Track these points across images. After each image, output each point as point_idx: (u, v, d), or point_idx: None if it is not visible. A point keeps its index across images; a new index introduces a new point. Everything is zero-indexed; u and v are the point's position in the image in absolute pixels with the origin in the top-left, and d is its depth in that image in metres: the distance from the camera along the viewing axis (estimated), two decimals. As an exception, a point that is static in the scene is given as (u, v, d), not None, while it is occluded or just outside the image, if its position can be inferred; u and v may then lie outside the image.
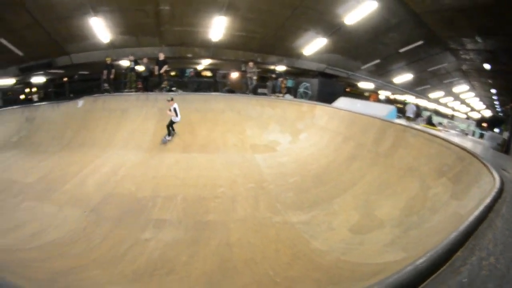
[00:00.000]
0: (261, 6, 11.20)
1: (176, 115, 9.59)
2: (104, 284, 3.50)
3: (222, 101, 11.45)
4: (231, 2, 10.96)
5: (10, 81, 17.10)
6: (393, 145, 6.57)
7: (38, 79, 17.34)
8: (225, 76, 16.02)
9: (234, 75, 16.41)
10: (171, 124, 9.87)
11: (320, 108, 10.45)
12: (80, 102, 11.17)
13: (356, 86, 19.22)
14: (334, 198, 5.71)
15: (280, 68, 15.68)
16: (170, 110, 9.59)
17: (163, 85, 12.58)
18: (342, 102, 11.76)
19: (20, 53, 14.06)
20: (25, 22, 12.20)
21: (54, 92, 14.29)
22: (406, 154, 5.98)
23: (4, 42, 13.42)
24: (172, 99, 9.68)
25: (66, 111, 11.26)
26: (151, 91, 12.25)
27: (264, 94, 13.65)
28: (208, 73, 18.12)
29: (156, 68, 12.31)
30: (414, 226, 3.99)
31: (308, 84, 14.38)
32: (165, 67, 12.32)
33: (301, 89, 14.39)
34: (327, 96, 12.78)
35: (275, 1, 10.91)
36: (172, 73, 16.18)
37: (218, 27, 12.54)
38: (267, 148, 9.43)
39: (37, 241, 4.77)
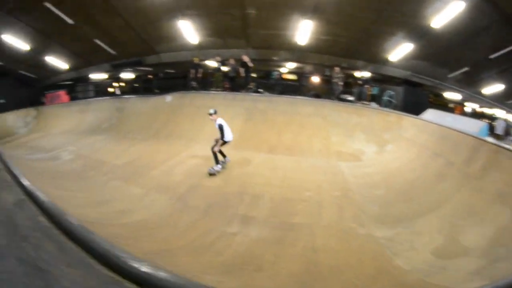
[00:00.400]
0: (346, 10, 10.80)
1: (222, 135, 7.42)
2: (197, 273, 3.40)
3: (308, 105, 11.21)
4: (317, 5, 10.71)
5: (102, 76, 19.26)
6: (484, 167, 5.79)
7: (127, 75, 19.13)
8: (310, 80, 15.74)
9: (319, 79, 16.07)
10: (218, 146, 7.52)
11: (408, 120, 9.78)
12: (169, 97, 11.80)
13: (441, 96, 17.68)
14: (419, 217, 5.30)
15: (365, 74, 14.95)
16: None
17: (249, 86, 12.64)
18: (431, 115, 10.76)
19: (112, 52, 15.46)
20: (118, 25, 13.37)
21: (142, 88, 15.28)
22: (498, 178, 5.26)
23: (99, 42, 14.87)
24: (215, 112, 7.68)
25: (154, 104, 12.11)
26: (238, 91, 12.35)
27: (349, 100, 13.05)
28: (293, 77, 17.89)
29: (242, 69, 12.43)
30: (502, 259, 3.65)
31: (393, 93, 13.45)
32: (249, 69, 12.47)
33: (385, 97, 13.48)
34: (411, 106, 11.84)
35: (361, 4, 10.45)
36: (258, 75, 16.27)
37: (303, 31, 12.33)
38: (351, 157, 9.06)
39: (125, 218, 4.90)
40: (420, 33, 11.39)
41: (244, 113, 10.70)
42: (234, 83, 12.95)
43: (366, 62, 14.31)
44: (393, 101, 13.18)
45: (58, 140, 11.99)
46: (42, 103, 18.65)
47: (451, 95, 16.45)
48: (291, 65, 17.05)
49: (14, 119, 17.05)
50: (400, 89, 13.57)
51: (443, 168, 6.79)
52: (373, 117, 10.53)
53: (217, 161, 7.45)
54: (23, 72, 20.27)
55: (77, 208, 4.50)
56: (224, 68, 12.96)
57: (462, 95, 15.96)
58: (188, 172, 7.41)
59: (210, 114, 7.61)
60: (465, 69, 13.44)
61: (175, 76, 18.54)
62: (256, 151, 9.11)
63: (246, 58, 12.39)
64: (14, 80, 20.89)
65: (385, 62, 13.94)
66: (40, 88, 20.28)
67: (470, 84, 14.98)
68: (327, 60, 14.34)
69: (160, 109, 11.70)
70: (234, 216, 5.21)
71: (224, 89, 12.90)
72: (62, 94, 18.75)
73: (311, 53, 14.22)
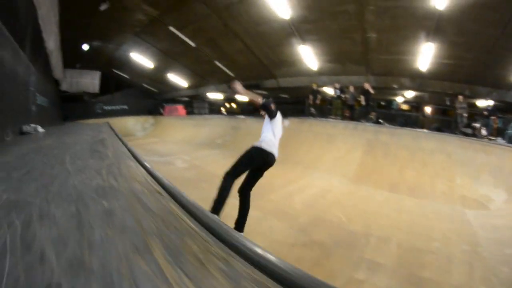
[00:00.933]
0: (469, 27, 9.59)
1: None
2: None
3: (431, 140, 10.11)
4: (439, 25, 9.81)
5: (219, 96, 20.71)
6: None
7: (242, 97, 20.17)
8: (432, 111, 14.27)
9: (440, 110, 14.52)
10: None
11: None
12: (286, 122, 11.58)
13: None
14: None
15: (488, 102, 12.90)
16: None
17: (370, 116, 12.01)
18: None
19: (231, 74, 16.28)
20: (238, 48, 13.97)
21: (253, 110, 15.76)
22: None
23: (218, 64, 15.80)
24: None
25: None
26: (357, 120, 11.77)
27: (473, 134, 11.33)
28: (411, 106, 16.75)
29: (362, 98, 11.87)
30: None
31: None
32: (369, 97, 11.82)
33: (510, 131, 11.30)
34: None
35: (483, 19, 9.13)
36: (378, 104, 15.57)
37: (424, 55, 11.39)
38: (477, 204, 7.89)
39: None
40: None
41: (365, 144, 10.11)
42: (354, 111, 12.42)
43: (488, 87, 12.47)
44: (520, 136, 10.98)
45: (172, 147, 12.75)
46: (160, 114, 20.73)
47: None
48: (411, 94, 15.95)
49: (134, 123, 19.28)
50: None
51: None
52: (504, 156, 9.08)
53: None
54: (146, 86, 23.04)
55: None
56: (341, 95, 12.52)
57: None
58: (307, 201, 6.99)
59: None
60: None
61: (291, 101, 18.76)
62: (377, 187, 8.50)
63: (367, 86, 11.77)
64: (137, 92, 23.91)
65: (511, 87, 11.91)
66: (159, 100, 22.69)
67: None
68: (449, 87, 12.98)
69: None
70: (361, 260, 4.65)
71: (343, 117, 12.36)
72: (180, 108, 20.57)
73: (432, 80, 13.01)
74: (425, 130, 11.44)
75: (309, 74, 13.98)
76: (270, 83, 15.48)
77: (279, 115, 3.98)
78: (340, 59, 13.00)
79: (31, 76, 6.86)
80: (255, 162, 3.83)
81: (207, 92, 20.71)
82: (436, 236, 5.83)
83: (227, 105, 22.25)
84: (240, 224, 3.87)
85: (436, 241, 5.63)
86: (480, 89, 12.54)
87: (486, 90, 12.47)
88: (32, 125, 5.87)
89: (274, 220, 5.72)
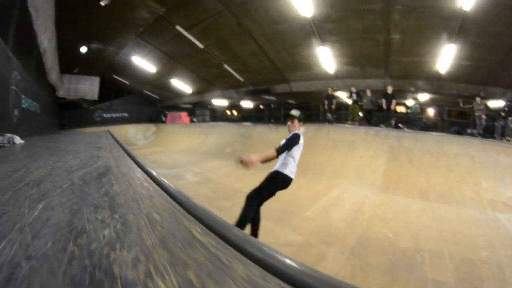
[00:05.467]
0: (491, 28, 9.45)
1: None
2: None
3: (455, 144, 10.03)
4: (462, 25, 9.66)
5: (224, 103, 20.06)
6: None
7: (246, 103, 19.52)
8: (452, 114, 13.82)
9: (459, 112, 14.21)
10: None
11: None
12: (302, 129, 10.97)
13: None
14: None
15: (503, 103, 12.61)
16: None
17: (391, 121, 11.48)
18: None
19: (240, 78, 15.56)
20: (250, 49, 13.41)
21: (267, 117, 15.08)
22: None
23: (227, 67, 15.07)
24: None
25: (284, 134, 11.16)
26: (375, 125, 11.34)
27: (492, 136, 11.20)
28: (431, 110, 16.21)
29: (384, 101, 11.37)
30: None
31: None
32: (394, 102, 11.30)
33: None
34: None
35: (506, 21, 9.04)
36: (398, 108, 15.16)
37: (445, 57, 11.19)
38: (506, 207, 7.78)
39: None
40: None
41: (388, 151, 9.96)
42: (371, 116, 12.01)
43: (504, 88, 12.32)
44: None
45: (179, 158, 12.12)
46: (162, 121, 20.06)
47: None
48: (424, 97, 15.55)
49: (135, 131, 18.63)
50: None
51: None
52: None
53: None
54: (147, 92, 22.37)
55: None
56: (358, 100, 12.05)
57: None
58: (346, 218, 6.63)
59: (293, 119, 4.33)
60: None
61: (299, 107, 18.24)
62: (408, 196, 8.36)
63: (390, 89, 11.30)
64: (138, 98, 23.28)
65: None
66: (161, 107, 22.03)
67: None
68: (465, 89, 12.80)
69: None
70: (425, 281, 4.41)
71: (360, 123, 11.87)
72: (183, 116, 19.97)
73: (449, 82, 12.77)
74: (444, 134, 11.26)
75: (324, 77, 13.49)
76: (282, 87, 14.81)
77: (302, 141, 3.91)
78: (360, 61, 12.57)
79: (13, 72, 5.79)
80: (279, 188, 3.82)
81: (212, 98, 20.16)
82: (481, 244, 5.81)
83: (235, 111, 21.77)
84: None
85: (483, 249, 5.64)
86: (492, 90, 12.63)
87: (500, 91, 12.53)
88: (7, 134, 4.51)
89: (321, 246, 5.29)
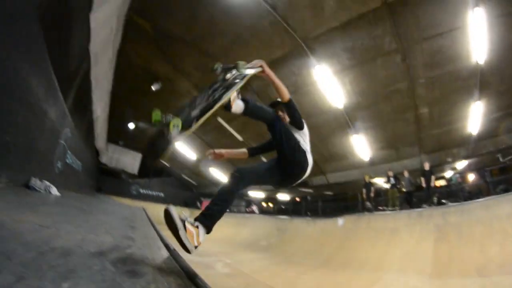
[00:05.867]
0: (510, 72, 9.17)
1: None
2: None
3: (505, 204, 9.05)
4: (482, 80, 9.54)
5: (260, 195, 20.20)
6: None
7: (283, 195, 19.50)
8: (494, 172, 12.78)
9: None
10: None
11: None
12: (341, 221, 10.90)
13: None
14: None
15: None
16: None
17: (434, 198, 10.96)
18: None
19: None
20: None
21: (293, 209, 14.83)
22: None
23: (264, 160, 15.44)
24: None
25: (322, 227, 11.44)
26: (418, 207, 10.73)
27: None
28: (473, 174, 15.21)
29: (423, 179, 10.99)
30: None
31: None
32: (433, 177, 10.89)
33: None
34: None
35: None
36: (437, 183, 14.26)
37: (475, 116, 11.09)
38: None
39: None
40: None
41: (434, 230, 9.28)
42: (412, 198, 11.53)
43: None
44: None
45: (211, 246, 11.68)
46: (197, 207, 20.19)
47: None
48: (462, 164, 14.71)
49: None
50: None
51: None
52: None
53: None
54: (185, 177, 23.05)
55: None
56: (396, 183, 11.79)
57: None
58: None
59: None
60: None
61: (338, 199, 17.84)
62: (464, 276, 7.41)
63: (427, 165, 10.99)
64: (175, 181, 23.89)
65: None
66: (197, 193, 22.36)
67: None
68: (501, 142, 12.15)
69: (330, 233, 10.81)
70: None
71: (401, 207, 11.38)
72: None
73: (484, 140, 12.33)
74: (493, 196, 10.15)
75: (360, 166, 13.48)
76: (319, 179, 14.79)
77: (306, 130, 2.85)
78: (393, 143, 12.65)
79: (65, 128, 6.21)
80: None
81: (249, 190, 20.23)
82: None
83: (264, 204, 21.61)
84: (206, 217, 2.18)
85: None
86: None
87: None
88: (46, 182, 4.54)
89: None
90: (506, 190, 11.02)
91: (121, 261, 1.64)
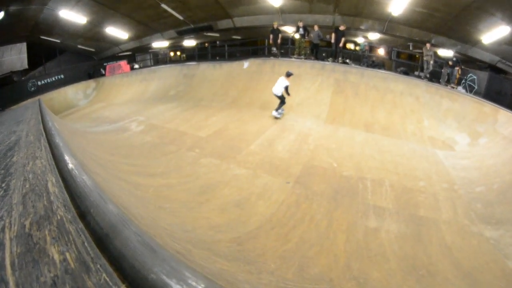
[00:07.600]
0: None
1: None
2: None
3: (401, 83, 10.53)
4: None
5: (164, 44, 18.97)
6: None
7: (189, 42, 18.61)
8: (400, 55, 14.15)
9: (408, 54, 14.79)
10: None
11: (506, 115, 8.64)
12: (246, 63, 10.99)
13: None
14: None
15: (450, 53, 13.34)
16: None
17: (339, 57, 11.78)
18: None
19: (180, 17, 14.48)
20: None
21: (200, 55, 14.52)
22: None
23: (165, 7, 13.83)
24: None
25: (228, 71, 11.79)
26: (322, 60, 11.57)
27: (437, 81, 11.78)
28: (380, 49, 16.33)
29: (333, 36, 11.49)
30: None
31: (474, 77, 11.75)
32: (343, 39, 11.55)
33: (468, 81, 11.91)
34: (495, 95, 10.47)
35: None
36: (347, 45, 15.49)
37: (400, 0, 11.23)
38: (444, 145, 8.56)
39: (247, 212, 4.38)
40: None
41: (334, 84, 10.30)
42: (318, 51, 12.10)
43: (454, 40, 12.80)
44: (475, 86, 11.68)
45: (122, 110, 11.56)
46: (102, 75, 18.63)
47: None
48: (375, 36, 15.71)
49: (74, 92, 17.14)
50: (484, 75, 11.69)
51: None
52: (466, 104, 9.68)
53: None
54: (81, 47, 20.16)
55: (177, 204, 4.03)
56: (305, 34, 12.01)
57: None
58: (291, 149, 6.94)
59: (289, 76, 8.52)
60: None
61: (245, 43, 17.64)
62: (353, 127, 8.90)
63: (343, 27, 11.45)
64: (72, 56, 21.01)
65: (476, 43, 12.39)
66: (99, 60, 20.27)
67: None
68: (416, 34, 13.05)
69: (236, 75, 11.31)
70: (367, 207, 4.90)
71: (306, 57, 11.95)
72: (123, 64, 18.60)
73: (400, 25, 12.90)
74: (391, 73, 11.60)
75: (269, 12, 12.97)
76: (225, 23, 14.12)
77: None
78: None
79: None
80: None
81: (153, 42, 18.72)
82: (420, 175, 6.37)
83: (172, 54, 20.82)
84: None
85: (421, 180, 6.18)
86: (445, 40, 13.00)
87: (450, 42, 12.96)
88: None
89: (268, 176, 5.48)
90: (405, 73, 12.34)
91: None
